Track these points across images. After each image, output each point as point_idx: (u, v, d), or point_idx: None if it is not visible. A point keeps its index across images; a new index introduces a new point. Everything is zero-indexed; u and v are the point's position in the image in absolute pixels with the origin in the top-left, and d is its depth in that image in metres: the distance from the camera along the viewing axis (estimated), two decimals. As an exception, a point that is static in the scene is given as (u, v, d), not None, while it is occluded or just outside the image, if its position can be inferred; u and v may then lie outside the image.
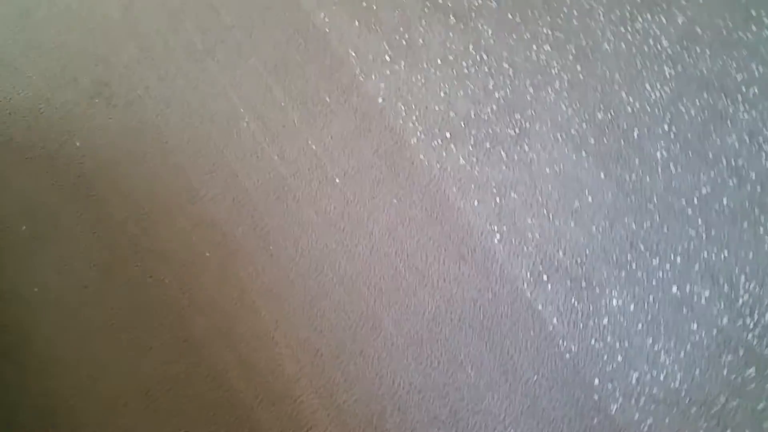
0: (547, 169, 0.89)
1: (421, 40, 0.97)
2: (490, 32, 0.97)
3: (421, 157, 0.91)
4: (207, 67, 0.96)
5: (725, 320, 0.79)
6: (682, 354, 0.78)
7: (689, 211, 0.85)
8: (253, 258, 0.83)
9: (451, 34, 0.97)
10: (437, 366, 0.78)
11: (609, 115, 0.91)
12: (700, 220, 0.84)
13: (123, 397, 0.75)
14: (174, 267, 0.83)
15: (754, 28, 0.94)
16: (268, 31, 0.98)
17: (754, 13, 0.95)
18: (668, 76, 0.92)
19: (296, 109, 0.93)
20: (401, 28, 0.98)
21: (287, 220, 0.87)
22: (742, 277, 0.81)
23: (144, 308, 0.81)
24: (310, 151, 0.91)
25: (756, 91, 0.90)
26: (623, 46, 0.95)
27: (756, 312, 0.79)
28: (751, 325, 0.78)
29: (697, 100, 0.91)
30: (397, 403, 0.76)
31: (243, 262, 0.83)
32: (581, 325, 0.80)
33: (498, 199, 0.88)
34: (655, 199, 0.86)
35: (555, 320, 0.81)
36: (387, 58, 0.96)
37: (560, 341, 0.80)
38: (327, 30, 0.98)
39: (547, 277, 0.83)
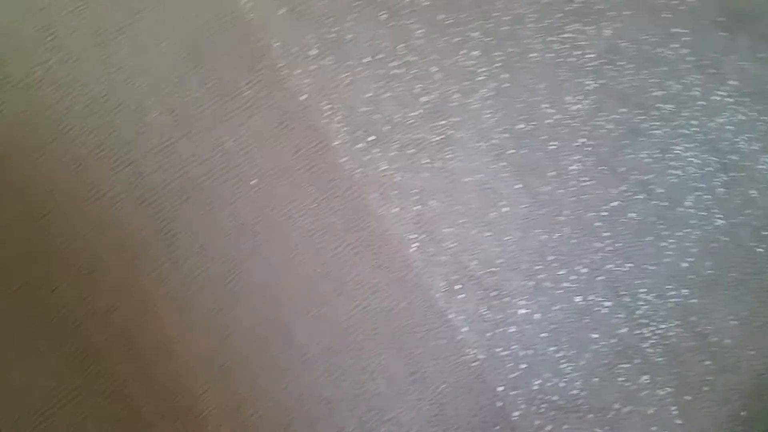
0: (468, 178, 0.91)
1: (350, 35, 0.95)
2: (420, 32, 0.96)
3: (343, 160, 0.90)
4: (115, 51, 0.90)
5: (624, 330, 0.85)
6: (582, 362, 0.83)
7: (598, 223, 0.89)
8: (158, 263, 0.81)
9: (381, 31, 0.96)
10: (348, 377, 0.80)
11: (530, 126, 0.93)
12: (607, 233, 0.89)
13: (12, 416, 0.72)
14: (71, 272, 0.79)
15: (674, 45, 0.98)
16: (185, 13, 0.93)
17: (674, 30, 0.99)
18: (590, 88, 0.95)
19: (212, 102, 0.90)
20: (329, 21, 0.95)
21: (196, 224, 0.85)
22: (643, 289, 0.87)
23: (37, 317, 0.77)
24: (225, 149, 0.88)
25: (671, 107, 0.95)
26: (550, 55, 0.96)
27: (652, 322, 0.85)
28: (647, 335, 0.85)
29: (614, 115, 0.94)
30: (306, 415, 0.77)
31: (146, 268, 0.80)
32: (489, 334, 0.84)
33: (418, 207, 0.89)
34: (566, 212, 0.90)
35: (465, 329, 0.84)
36: (313, 51, 0.94)
37: (469, 350, 0.83)
38: (251, 16, 0.94)
39: (460, 287, 0.86)
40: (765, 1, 1.02)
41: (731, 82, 0.96)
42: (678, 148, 0.93)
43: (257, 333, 0.80)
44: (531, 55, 0.96)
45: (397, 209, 0.88)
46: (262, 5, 0.94)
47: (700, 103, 0.95)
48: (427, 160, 0.91)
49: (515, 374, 0.82)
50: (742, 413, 0.81)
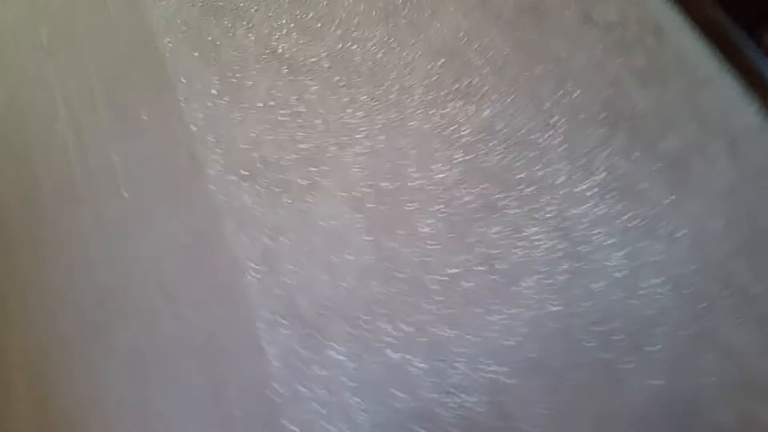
0: (322, 222, 0.98)
1: (250, 82, 1.08)
2: (314, 89, 1.08)
3: (213, 188, 1.00)
4: (45, 65, 1.07)
5: (431, 395, 0.87)
6: (379, 417, 0.85)
7: (434, 286, 0.94)
8: (23, 255, 0.92)
9: (279, 82, 1.08)
10: (156, 394, 0.86)
11: (393, 185, 1.01)
12: (440, 297, 0.93)
13: None
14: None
15: (549, 133, 1.05)
16: (114, 44, 1.09)
17: (553, 120, 1.06)
18: (457, 161, 1.03)
19: (112, 121, 1.04)
20: (236, 68, 1.09)
21: (64, 224, 0.96)
22: (460, 358, 0.89)
23: None
24: (110, 161, 1.01)
25: (532, 190, 1.01)
26: (427, 126, 1.06)
27: (461, 393, 0.87)
28: (452, 405, 0.86)
29: (475, 189, 1.01)
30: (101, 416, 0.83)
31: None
32: (299, 372, 0.88)
33: (267, 241, 0.97)
34: (406, 270, 0.95)
35: (277, 363, 0.89)
36: (214, 91, 1.07)
37: (275, 384, 0.88)
38: (167, 54, 1.09)
39: (286, 322, 0.92)
40: (649, 103, 1.09)
41: (598, 176, 1.02)
42: (530, 229, 0.98)
43: (79, 335, 0.88)
44: (410, 123, 1.06)
45: (247, 239, 0.97)
46: (181, 46, 1.10)
47: (562, 191, 1.01)
48: (289, 201, 1.00)
49: (311, 417, 0.85)
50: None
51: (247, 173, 1.02)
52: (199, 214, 0.98)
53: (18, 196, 0.96)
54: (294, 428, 0.85)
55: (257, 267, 0.95)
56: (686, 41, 1.16)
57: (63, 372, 0.86)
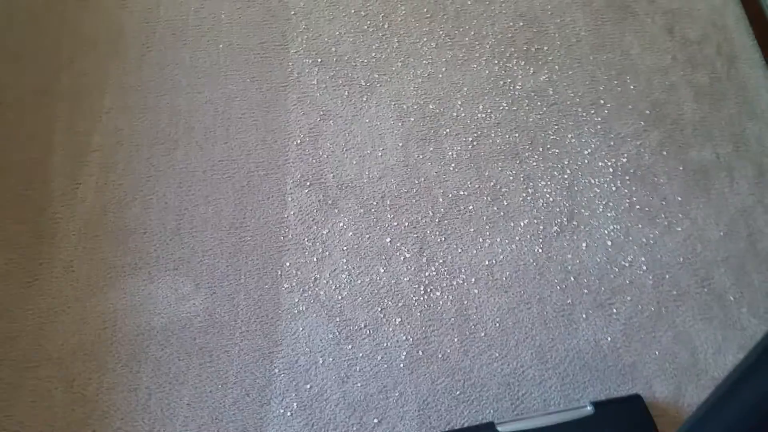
0: (367, 120, 1.18)
1: None
2: (402, 12, 1.28)
3: (290, 64, 1.22)
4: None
5: (406, 278, 1.04)
6: (359, 282, 1.04)
7: (441, 199, 1.11)
8: None
9: (375, 0, 1.28)
10: (193, 203, 1.08)
11: (438, 110, 1.19)
12: (443, 209, 1.10)
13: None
14: None
15: (592, 110, 1.19)
16: None
17: (600, 101, 1.20)
18: (501, 108, 1.19)
19: (229, -13, 1.27)
20: None
21: (168, 61, 1.20)
22: (442, 261, 1.06)
23: None
24: (219, 20, 1.25)
25: (555, 152, 1.16)
26: (486, 72, 1.23)
27: (432, 286, 1.04)
28: (421, 292, 1.03)
29: (507, 135, 1.17)
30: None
31: None
32: (307, 227, 1.08)
33: (318, 120, 1.17)
34: (423, 179, 1.12)
35: (293, 213, 1.09)
36: (317, -10, 1.29)
37: (286, 228, 1.08)
38: None
39: (311, 186, 1.12)
40: (695, 116, 1.20)
41: (622, 159, 1.15)
42: (541, 182, 1.13)
43: (149, 140, 1.13)
44: (473, 65, 1.23)
45: (302, 112, 1.17)
46: None
47: (584, 160, 1.15)
48: (347, 94, 1.20)
49: (304, 261, 1.05)
50: None
51: (320, 61, 1.23)
52: (272, 80, 1.20)
53: (141, 21, 1.22)
54: (289, 266, 1.05)
55: (302, 136, 1.16)
56: (753, 75, 1.27)
57: (128, 165, 1.10)
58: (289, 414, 0.92)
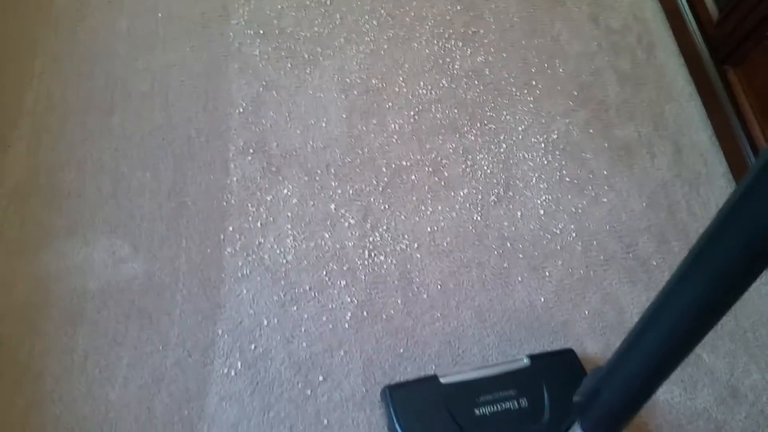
0: (310, 91, 1.21)
1: None
2: (344, -10, 1.33)
3: (231, 34, 1.24)
4: None
5: (351, 244, 1.08)
6: (303, 247, 1.07)
7: (384, 169, 1.16)
8: None
9: (317, -24, 1.33)
10: (130, 168, 1.08)
11: (380, 85, 1.24)
12: (386, 179, 1.15)
13: None
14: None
15: (525, 90, 1.29)
16: None
17: (533, 83, 1.30)
18: (441, 86, 1.26)
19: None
20: None
21: (104, 27, 1.19)
22: (385, 228, 1.11)
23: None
24: (157, -15, 1.25)
25: (492, 128, 1.24)
26: (427, 51, 1.29)
27: (377, 252, 1.08)
28: (366, 258, 1.07)
29: (447, 111, 1.24)
30: None
31: None
32: (251, 194, 1.10)
33: (261, 89, 1.20)
34: (366, 150, 1.17)
35: (236, 180, 1.11)
36: None
37: (229, 194, 1.09)
38: None
39: (254, 154, 1.14)
40: (619, 98, 1.32)
41: (553, 135, 1.25)
42: (479, 155, 1.21)
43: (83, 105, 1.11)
44: (413, 44, 1.30)
45: (245, 82, 1.19)
46: None
47: (518, 136, 1.24)
48: (290, 66, 1.23)
49: (249, 227, 1.07)
50: None
51: (262, 32, 1.26)
52: (213, 50, 1.21)
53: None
54: (232, 231, 1.06)
55: (245, 105, 1.18)
56: (670, 62, 1.41)
57: (62, 129, 1.08)
58: (233, 373, 0.93)
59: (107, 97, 1.14)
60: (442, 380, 0.95)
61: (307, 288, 1.03)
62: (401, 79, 1.27)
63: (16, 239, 0.97)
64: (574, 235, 1.16)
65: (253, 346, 0.96)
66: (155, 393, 0.88)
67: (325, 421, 0.92)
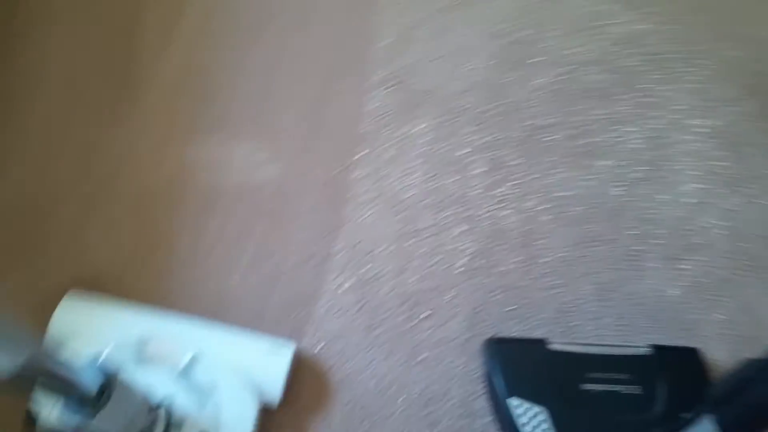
0: (453, 41, 1.19)
1: None
2: None
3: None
4: None
5: (477, 192, 1.06)
6: (431, 186, 1.06)
7: (520, 133, 1.12)
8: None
9: None
10: (267, 103, 1.12)
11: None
12: (523, 140, 1.11)
13: None
14: None
15: (692, 69, 1.19)
16: None
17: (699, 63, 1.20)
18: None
19: None
20: None
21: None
22: (516, 183, 1.07)
23: None
24: None
25: (650, 101, 1.16)
26: (590, 10, 1.23)
27: (503, 205, 1.05)
28: (492, 208, 1.05)
29: (600, 74, 1.17)
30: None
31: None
32: (385, 126, 1.10)
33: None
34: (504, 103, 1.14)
35: (370, 110, 1.12)
36: None
37: (363, 122, 1.11)
38: None
39: (392, 86, 1.14)
40: None
41: (716, 122, 1.15)
42: (630, 127, 1.13)
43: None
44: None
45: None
46: None
47: (676, 116, 1.15)
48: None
49: (379, 157, 1.08)
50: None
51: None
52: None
53: None
54: (361, 157, 1.07)
55: (391, 39, 1.18)
56: None
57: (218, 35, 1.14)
58: (344, 288, 0.95)
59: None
60: (551, 347, 0.91)
61: (425, 226, 1.02)
62: (554, 34, 1.21)
63: (165, 128, 1.05)
64: (721, 233, 1.06)
65: (365, 269, 0.97)
66: (271, 290, 0.93)
67: (422, 356, 0.92)
